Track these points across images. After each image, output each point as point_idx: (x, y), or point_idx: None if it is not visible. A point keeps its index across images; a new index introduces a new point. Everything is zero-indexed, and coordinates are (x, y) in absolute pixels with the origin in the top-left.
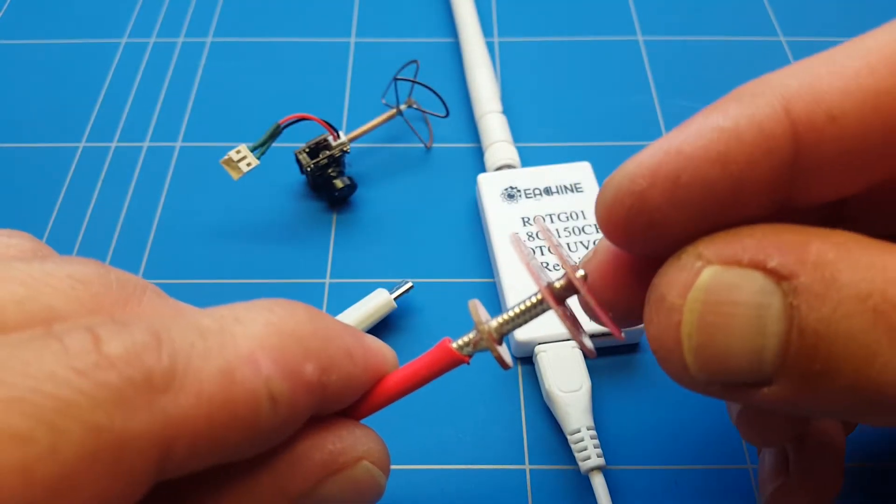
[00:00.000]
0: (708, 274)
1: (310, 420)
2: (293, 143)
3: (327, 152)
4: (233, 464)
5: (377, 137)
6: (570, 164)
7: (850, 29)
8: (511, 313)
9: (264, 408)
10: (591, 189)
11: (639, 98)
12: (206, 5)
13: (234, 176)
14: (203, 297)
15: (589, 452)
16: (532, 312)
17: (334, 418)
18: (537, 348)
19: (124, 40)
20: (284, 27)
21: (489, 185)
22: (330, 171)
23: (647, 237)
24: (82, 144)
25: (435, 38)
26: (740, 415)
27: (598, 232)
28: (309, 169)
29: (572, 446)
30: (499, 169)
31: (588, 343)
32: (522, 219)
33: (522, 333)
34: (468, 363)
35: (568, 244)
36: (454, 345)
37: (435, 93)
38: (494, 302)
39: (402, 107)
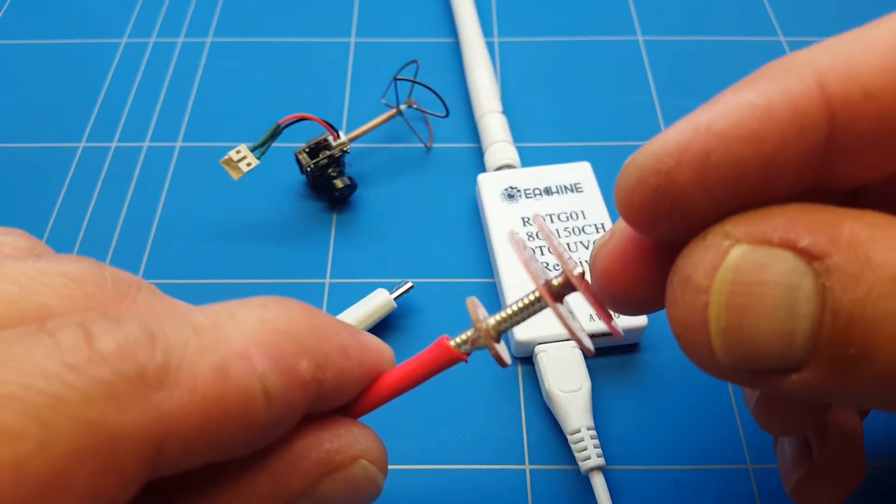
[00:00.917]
0: (736, 253)
1: (307, 418)
2: (293, 143)
3: (327, 152)
4: (229, 462)
5: (377, 137)
6: (570, 164)
7: (851, 29)
8: (509, 311)
9: (258, 404)
10: (591, 189)
11: (639, 98)
12: (206, 5)
13: (234, 176)
14: (203, 297)
15: (589, 452)
16: (530, 310)
17: (331, 417)
18: (537, 348)
19: (124, 40)
20: (284, 27)
21: (489, 185)
22: (330, 171)
23: (671, 220)
24: (82, 144)
25: (435, 38)
26: (759, 403)
27: (598, 232)
28: (309, 169)
29: (572, 446)
30: (499, 169)
31: (586, 341)
32: (522, 219)
33: (522, 333)
34: (466, 361)
35: (568, 244)
36: (452, 342)
37: (435, 93)
38: (494, 302)
39: (402, 107)
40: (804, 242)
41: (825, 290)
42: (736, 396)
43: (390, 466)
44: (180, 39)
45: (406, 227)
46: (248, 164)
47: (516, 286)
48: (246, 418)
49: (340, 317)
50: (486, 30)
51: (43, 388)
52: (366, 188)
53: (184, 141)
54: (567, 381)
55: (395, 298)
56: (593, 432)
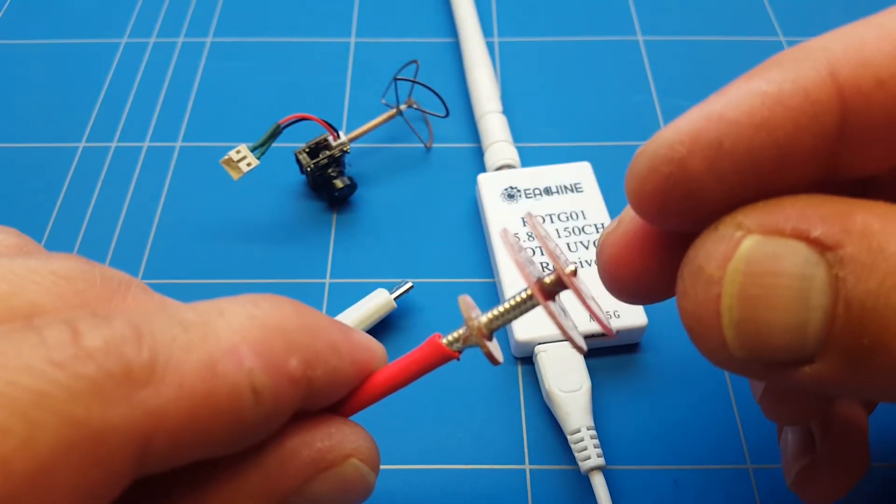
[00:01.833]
0: (749, 244)
1: (298, 417)
2: (293, 143)
3: (327, 152)
4: (219, 461)
5: (377, 137)
6: (570, 164)
7: None
8: (501, 308)
9: (247, 401)
10: (592, 189)
11: (639, 98)
12: (206, 5)
13: (234, 176)
14: (203, 297)
15: (589, 452)
16: (522, 308)
17: (323, 415)
18: (537, 348)
19: (124, 40)
20: (285, 27)
21: (489, 185)
22: (330, 171)
23: (683, 210)
24: (82, 144)
25: (435, 38)
26: (765, 392)
27: (598, 232)
28: (309, 169)
29: (572, 446)
30: (499, 169)
31: (578, 339)
32: (522, 219)
33: (522, 334)
34: (458, 359)
35: (568, 244)
36: (444, 340)
37: (435, 93)
38: (494, 302)
39: (402, 107)
40: (816, 233)
41: (838, 281)
42: (736, 396)
43: (390, 466)
44: (180, 39)
45: (406, 227)
46: (248, 164)
47: (516, 286)
48: (234, 415)
49: (340, 317)
50: (486, 30)
51: (28, 385)
52: (366, 188)
53: (184, 141)
54: (567, 381)
55: (395, 298)
56: (593, 432)
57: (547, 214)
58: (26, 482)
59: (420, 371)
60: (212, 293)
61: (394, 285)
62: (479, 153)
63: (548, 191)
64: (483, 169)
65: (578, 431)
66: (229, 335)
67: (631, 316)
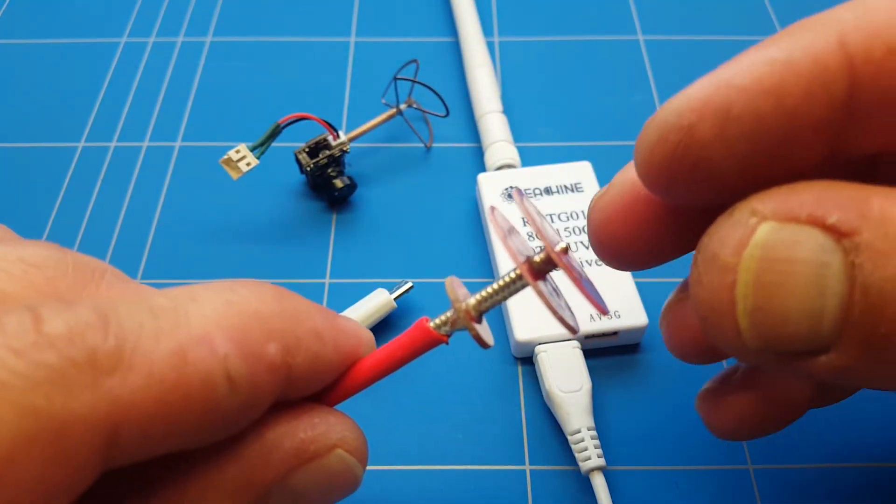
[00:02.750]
0: (764, 230)
1: (280, 406)
2: (293, 143)
3: (327, 152)
4: (196, 452)
5: (377, 137)
6: (570, 163)
7: None
8: (489, 290)
9: (221, 389)
10: (592, 189)
11: (639, 98)
12: (206, 5)
13: (234, 176)
14: None
15: (589, 453)
16: (511, 289)
17: (306, 404)
18: (537, 348)
19: (124, 40)
20: (284, 27)
21: (489, 185)
22: (330, 170)
23: (691, 181)
24: (81, 144)
25: (435, 37)
26: (704, 399)
27: None
28: (308, 169)
29: (573, 447)
30: (499, 169)
31: (569, 319)
32: (523, 219)
33: (523, 334)
34: (447, 343)
35: (568, 244)
36: (431, 324)
37: (435, 92)
38: None
39: (402, 106)
40: (833, 219)
41: (854, 268)
42: None
43: (389, 467)
44: (180, 39)
45: (406, 227)
46: (248, 164)
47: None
48: (208, 404)
49: None
50: (487, 29)
51: None
52: (366, 188)
53: (183, 141)
54: (567, 382)
55: (395, 298)
56: (594, 433)
57: (547, 214)
58: None
59: (408, 356)
60: None
61: (394, 285)
62: (479, 153)
63: (548, 190)
64: (483, 169)
65: (579, 432)
66: (202, 321)
67: (632, 316)
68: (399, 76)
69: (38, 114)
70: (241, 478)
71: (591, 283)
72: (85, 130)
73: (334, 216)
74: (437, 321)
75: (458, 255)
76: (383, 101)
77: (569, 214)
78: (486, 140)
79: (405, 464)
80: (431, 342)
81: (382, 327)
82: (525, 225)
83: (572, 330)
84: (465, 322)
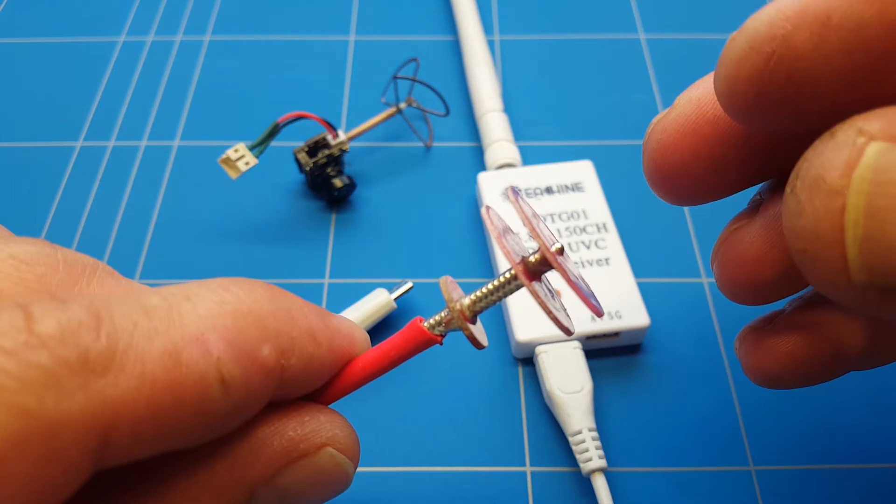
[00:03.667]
0: (873, 150)
1: (271, 405)
2: (292, 142)
3: (326, 151)
4: (187, 452)
5: (376, 136)
6: (571, 162)
7: None
8: (484, 290)
9: (214, 391)
10: (593, 188)
11: (640, 97)
12: (205, 3)
13: (233, 175)
14: None
15: (591, 454)
16: (506, 289)
17: (297, 403)
18: (538, 349)
19: (122, 38)
20: (283, 25)
21: (490, 185)
22: (329, 170)
23: (783, 98)
24: (80, 143)
25: (435, 35)
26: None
27: (600, 231)
28: (308, 168)
29: (574, 448)
30: (499, 168)
31: (564, 320)
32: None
33: (523, 334)
34: (441, 343)
35: (569, 244)
36: (425, 324)
37: (435, 91)
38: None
39: (402, 105)
40: None
41: None
42: (739, 398)
43: (389, 469)
44: (178, 38)
45: (406, 227)
46: (247, 163)
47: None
48: (201, 406)
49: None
50: (487, 27)
51: None
52: (365, 187)
53: (182, 140)
54: (568, 382)
55: (395, 299)
56: (595, 434)
57: (548, 214)
58: None
59: (402, 356)
60: None
61: (394, 285)
62: (479, 152)
63: (549, 190)
64: (483, 168)
65: (580, 433)
66: (196, 321)
67: (633, 316)
68: (399, 75)
69: (36, 113)
70: (230, 476)
71: (586, 285)
72: (83, 130)
73: (333, 216)
74: (431, 321)
75: (458, 255)
76: (383, 99)
77: (570, 214)
78: (486, 139)
79: (405, 465)
80: (425, 342)
81: (382, 327)
82: (524, 225)
83: (567, 331)
84: (459, 322)
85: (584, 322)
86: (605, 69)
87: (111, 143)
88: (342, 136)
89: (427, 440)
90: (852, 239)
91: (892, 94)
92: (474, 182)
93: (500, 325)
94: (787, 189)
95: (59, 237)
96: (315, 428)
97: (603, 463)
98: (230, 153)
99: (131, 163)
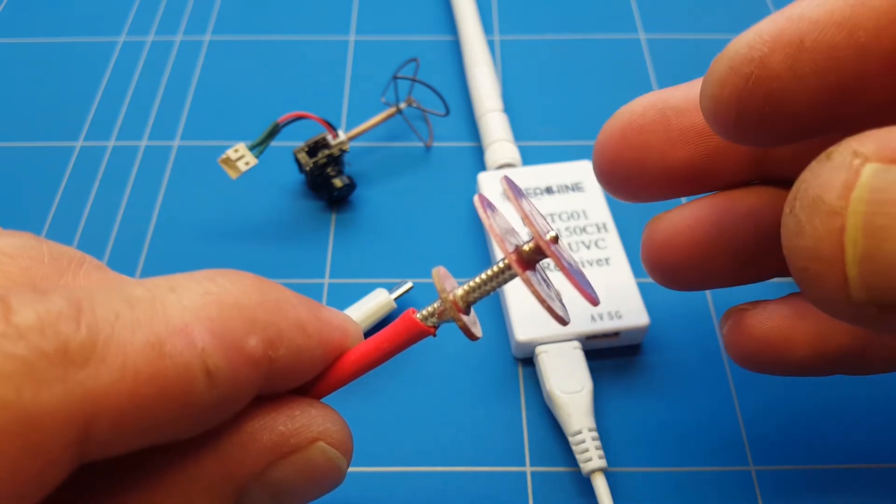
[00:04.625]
0: (869, 172)
1: (262, 399)
2: (292, 142)
3: (326, 151)
4: (175, 446)
5: (376, 136)
6: (571, 162)
7: None
8: (477, 280)
9: (199, 383)
10: (593, 188)
11: None
12: (205, 3)
13: (233, 175)
14: None
15: (591, 454)
16: (499, 279)
17: (288, 396)
18: (538, 349)
19: (122, 38)
20: (283, 25)
21: (490, 184)
22: (329, 170)
23: (761, 115)
24: (79, 143)
25: (435, 35)
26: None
27: (600, 231)
28: (308, 168)
29: (574, 448)
30: (500, 168)
31: (559, 310)
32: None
33: (523, 334)
34: (434, 335)
35: (570, 244)
36: (418, 315)
37: (435, 91)
38: (495, 302)
39: (402, 105)
40: None
41: None
42: (739, 398)
43: (389, 469)
44: (178, 37)
45: (406, 227)
46: (247, 163)
47: (518, 284)
48: (185, 398)
49: None
50: (487, 27)
51: None
52: (365, 187)
53: (182, 140)
54: (568, 382)
55: (395, 299)
56: (595, 434)
57: (548, 214)
58: None
59: (395, 348)
60: None
61: (393, 285)
62: (479, 152)
63: (549, 190)
64: (483, 168)
65: (580, 433)
66: (180, 312)
67: (633, 316)
68: (399, 75)
69: (36, 113)
70: (219, 471)
71: (581, 274)
72: (83, 130)
73: (333, 216)
74: (424, 312)
75: (459, 255)
76: (383, 99)
77: (570, 214)
78: (486, 139)
79: (405, 465)
80: (418, 334)
81: (382, 328)
82: (524, 225)
83: (562, 321)
84: (452, 313)
85: (584, 322)
86: (605, 69)
87: (111, 143)
88: (342, 136)
89: (427, 440)
90: (852, 257)
91: (864, 112)
92: (474, 182)
93: (500, 325)
94: (786, 209)
95: (60, 237)
96: (306, 422)
97: (603, 463)
98: (230, 153)
99: (131, 163)
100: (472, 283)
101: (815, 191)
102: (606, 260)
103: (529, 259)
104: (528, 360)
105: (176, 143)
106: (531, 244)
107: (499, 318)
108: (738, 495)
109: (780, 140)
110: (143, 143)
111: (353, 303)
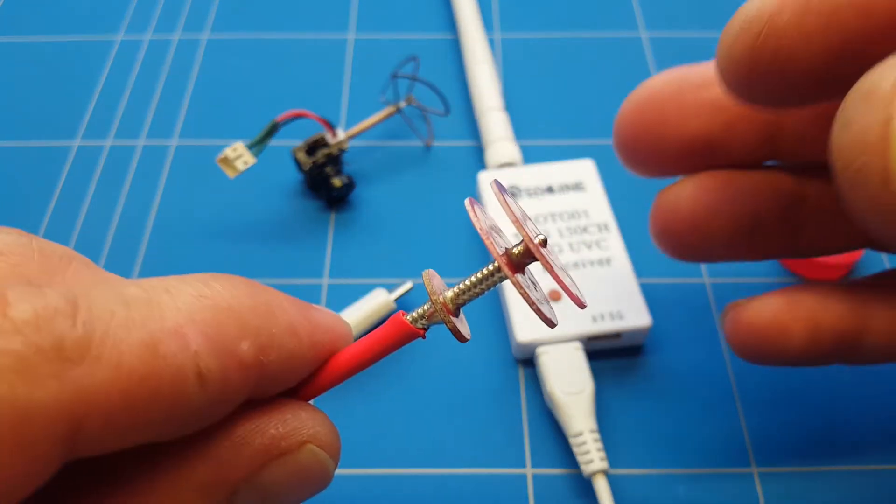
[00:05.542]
0: None
1: (252, 402)
2: (290, 141)
3: (325, 150)
4: (164, 447)
5: (376, 135)
6: (572, 161)
7: None
8: (467, 282)
9: (191, 385)
10: (594, 187)
11: None
12: (203, 1)
13: (231, 174)
14: None
15: (592, 456)
16: (489, 281)
17: (279, 400)
18: (539, 350)
19: (120, 37)
20: (282, 23)
21: (490, 184)
22: (328, 169)
23: (770, 72)
24: (77, 143)
25: (435, 33)
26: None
27: (601, 231)
28: (306, 167)
29: (575, 449)
30: (500, 167)
31: (547, 312)
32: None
33: (524, 335)
34: (423, 337)
35: (570, 244)
36: (408, 317)
37: (435, 90)
38: (496, 303)
39: (402, 104)
40: None
41: None
42: (741, 399)
43: (389, 470)
44: (176, 36)
45: (405, 227)
46: (245, 163)
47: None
48: (177, 399)
49: None
50: (487, 25)
51: None
52: (364, 187)
53: (179, 139)
54: (570, 383)
55: (394, 299)
56: (596, 435)
57: (549, 213)
58: None
59: (384, 350)
60: None
61: (393, 285)
62: (479, 151)
63: (550, 189)
64: (484, 167)
65: (581, 434)
66: (175, 314)
67: (635, 317)
68: (398, 73)
69: (33, 112)
70: (210, 473)
71: (570, 277)
72: (80, 129)
73: (332, 215)
74: (414, 314)
75: (458, 256)
76: (382, 98)
77: (571, 213)
78: (486, 138)
79: (405, 467)
80: (407, 336)
81: None
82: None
83: (550, 323)
84: (441, 315)
85: (585, 323)
86: (606, 67)
87: (108, 143)
88: (341, 135)
89: (427, 442)
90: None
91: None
92: (474, 181)
93: (501, 326)
94: (838, 112)
95: (57, 237)
96: (297, 426)
97: (604, 464)
98: (228, 152)
99: (129, 162)
100: (461, 286)
101: (868, 84)
102: (608, 260)
103: (519, 262)
104: (528, 361)
105: (174, 142)
106: (521, 247)
107: (499, 319)
108: (740, 497)
109: (789, 99)
110: (141, 142)
111: (353, 303)
